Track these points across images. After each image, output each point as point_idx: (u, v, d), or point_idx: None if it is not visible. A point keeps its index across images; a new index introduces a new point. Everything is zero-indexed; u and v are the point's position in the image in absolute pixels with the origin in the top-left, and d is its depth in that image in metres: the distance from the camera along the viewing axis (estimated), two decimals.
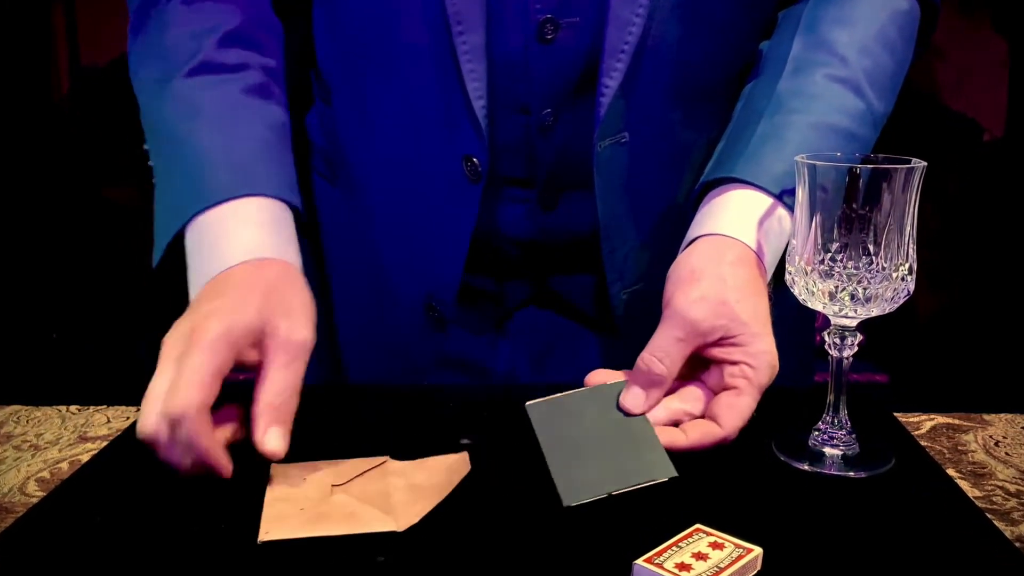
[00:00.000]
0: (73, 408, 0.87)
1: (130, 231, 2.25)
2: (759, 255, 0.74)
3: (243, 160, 0.77)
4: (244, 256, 0.72)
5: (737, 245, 0.74)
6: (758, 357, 0.70)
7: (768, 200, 0.76)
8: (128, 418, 0.83)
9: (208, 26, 0.81)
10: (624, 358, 0.73)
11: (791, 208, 0.75)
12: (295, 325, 0.68)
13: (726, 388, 0.71)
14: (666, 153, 0.85)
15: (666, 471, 0.66)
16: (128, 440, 0.75)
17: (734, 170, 0.77)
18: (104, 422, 0.83)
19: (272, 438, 0.65)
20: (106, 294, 2.24)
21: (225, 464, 0.64)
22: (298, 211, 0.78)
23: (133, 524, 0.62)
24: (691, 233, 0.77)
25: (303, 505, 0.63)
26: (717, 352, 0.71)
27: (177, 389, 0.62)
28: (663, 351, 0.70)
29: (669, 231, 0.82)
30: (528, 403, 0.71)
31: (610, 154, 0.82)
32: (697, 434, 0.69)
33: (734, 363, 0.70)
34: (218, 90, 0.80)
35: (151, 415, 0.63)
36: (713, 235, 0.75)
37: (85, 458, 0.74)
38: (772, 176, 0.76)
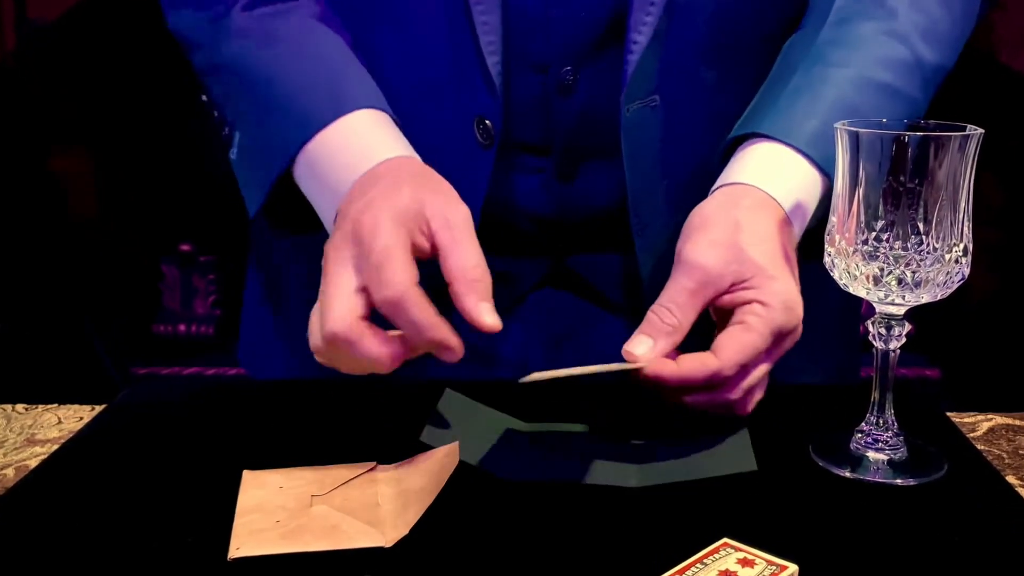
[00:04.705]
0: (20, 407, 0.87)
1: (83, 206, 2.25)
2: (781, 204, 0.75)
3: (339, 78, 0.81)
4: (378, 159, 0.76)
5: (754, 191, 0.75)
6: (772, 296, 0.71)
7: (797, 156, 0.77)
8: (81, 418, 0.83)
9: None
10: None
11: (822, 168, 0.76)
12: (451, 202, 0.71)
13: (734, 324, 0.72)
14: (701, 118, 0.85)
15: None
16: (81, 443, 0.75)
17: (761, 126, 0.78)
18: (54, 423, 0.83)
19: (487, 311, 0.67)
20: (57, 280, 2.24)
21: (456, 341, 0.67)
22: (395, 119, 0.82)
23: (87, 538, 0.62)
24: (712, 189, 0.78)
25: (279, 517, 0.63)
26: (729, 300, 0.72)
27: (382, 272, 0.66)
28: (673, 302, 0.71)
29: None
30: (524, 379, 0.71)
31: (639, 118, 0.82)
32: (689, 364, 0.70)
33: (746, 303, 0.71)
34: (288, 18, 0.83)
35: (346, 317, 0.66)
36: (730, 184, 0.76)
37: (33, 463, 0.75)
38: (803, 134, 0.77)
